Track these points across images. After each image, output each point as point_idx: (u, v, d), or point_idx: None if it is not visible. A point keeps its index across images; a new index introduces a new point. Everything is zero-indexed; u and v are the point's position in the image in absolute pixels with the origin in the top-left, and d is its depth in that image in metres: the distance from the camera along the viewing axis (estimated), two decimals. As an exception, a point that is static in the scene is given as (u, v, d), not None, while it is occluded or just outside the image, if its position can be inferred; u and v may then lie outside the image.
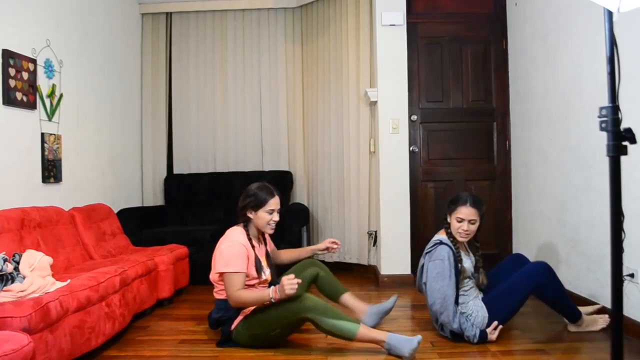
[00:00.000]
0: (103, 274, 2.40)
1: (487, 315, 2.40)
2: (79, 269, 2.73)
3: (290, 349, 2.33)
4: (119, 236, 3.53)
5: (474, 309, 2.42)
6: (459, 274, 2.42)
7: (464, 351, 2.27)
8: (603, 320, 2.53)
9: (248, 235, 2.45)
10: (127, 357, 2.30)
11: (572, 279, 2.98)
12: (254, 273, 2.38)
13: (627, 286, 2.39)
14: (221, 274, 2.34)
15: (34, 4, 3.07)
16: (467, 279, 2.48)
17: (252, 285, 2.41)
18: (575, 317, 2.50)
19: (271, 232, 2.51)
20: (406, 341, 2.16)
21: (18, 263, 2.12)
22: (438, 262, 2.40)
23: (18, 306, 1.79)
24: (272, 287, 2.26)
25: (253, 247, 2.43)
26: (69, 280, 2.22)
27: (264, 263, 2.48)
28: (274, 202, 2.45)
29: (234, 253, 2.31)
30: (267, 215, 2.43)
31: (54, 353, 1.88)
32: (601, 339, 2.37)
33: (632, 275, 2.37)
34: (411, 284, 3.63)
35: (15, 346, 1.53)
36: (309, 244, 4.55)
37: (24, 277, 2.06)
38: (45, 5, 3.19)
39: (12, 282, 2.01)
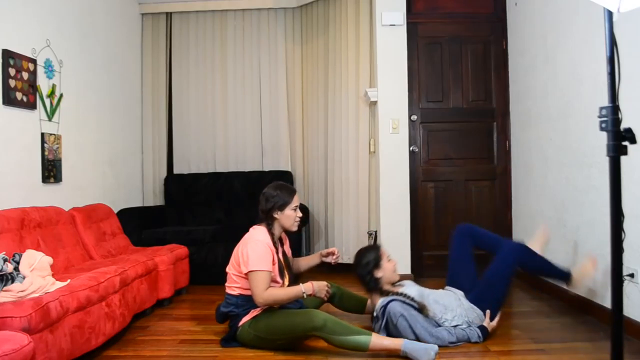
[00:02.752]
0: (103, 274, 2.40)
1: (481, 312, 2.42)
2: (79, 269, 2.72)
3: (290, 349, 2.32)
4: (119, 236, 3.53)
5: (464, 314, 2.41)
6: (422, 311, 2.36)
7: (463, 351, 2.27)
8: (591, 263, 2.56)
9: (272, 237, 2.45)
10: (127, 357, 2.30)
11: (572, 279, 2.98)
12: (277, 277, 2.40)
13: (627, 286, 2.39)
14: (247, 274, 2.32)
15: (34, 4, 3.07)
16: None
17: (274, 283, 2.41)
18: (567, 278, 2.58)
19: (296, 229, 2.54)
20: (423, 350, 2.11)
21: (18, 263, 2.12)
22: (400, 320, 2.30)
23: (18, 306, 1.79)
24: (307, 283, 2.32)
25: (277, 250, 2.45)
26: (69, 280, 2.22)
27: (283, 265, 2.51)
28: (297, 199, 2.52)
29: (262, 252, 2.32)
30: (293, 213, 2.48)
31: (54, 353, 1.88)
32: (601, 339, 2.37)
33: (632, 275, 2.37)
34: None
35: (15, 346, 1.53)
36: (308, 243, 4.56)
37: (24, 277, 2.06)
38: (45, 5, 3.19)
39: (12, 282, 2.01)
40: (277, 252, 2.44)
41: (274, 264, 2.36)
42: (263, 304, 2.30)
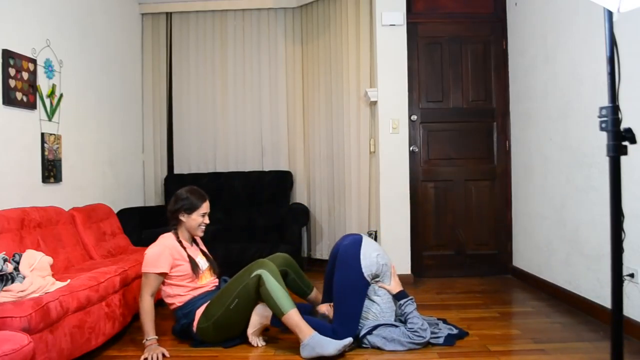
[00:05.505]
0: (103, 274, 2.40)
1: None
2: (79, 269, 2.72)
3: (291, 349, 2.33)
4: (119, 236, 3.53)
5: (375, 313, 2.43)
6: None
7: (464, 351, 2.27)
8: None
9: (178, 238, 2.52)
10: (127, 357, 2.30)
11: (572, 279, 2.98)
12: (188, 270, 2.45)
13: (627, 286, 2.39)
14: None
15: (34, 4, 3.07)
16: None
17: (191, 281, 2.47)
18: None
19: (201, 234, 2.59)
20: (332, 342, 2.17)
21: (18, 263, 2.12)
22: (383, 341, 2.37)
23: (18, 306, 1.79)
24: (155, 338, 2.32)
25: (184, 248, 2.50)
26: (69, 280, 2.22)
27: (201, 259, 2.57)
28: (206, 206, 2.55)
29: (153, 255, 2.39)
30: (200, 219, 2.52)
31: (54, 353, 1.88)
32: (601, 339, 2.38)
33: (632, 275, 2.37)
34: (411, 284, 3.64)
35: (15, 346, 1.53)
36: (309, 244, 4.55)
37: (24, 277, 2.06)
38: (45, 5, 3.19)
39: (12, 282, 2.01)
40: (186, 250, 2.50)
41: (177, 261, 2.43)
42: (140, 304, 2.37)
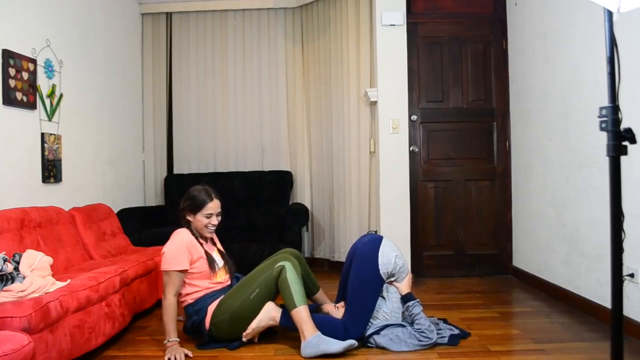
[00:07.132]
0: (103, 274, 2.40)
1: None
2: (79, 269, 2.73)
3: (291, 348, 2.33)
4: (119, 236, 3.53)
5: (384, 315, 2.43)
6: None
7: (464, 351, 2.27)
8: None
9: (193, 233, 2.50)
10: (127, 357, 2.30)
11: (572, 279, 2.98)
12: (205, 267, 2.43)
13: (627, 286, 2.39)
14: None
15: (34, 4, 3.07)
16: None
17: (206, 278, 2.45)
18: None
19: (209, 235, 2.55)
20: (336, 341, 2.19)
21: (18, 263, 2.12)
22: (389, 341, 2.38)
23: (18, 306, 1.79)
24: (176, 340, 2.30)
25: (201, 244, 2.48)
26: (69, 280, 2.22)
27: (216, 256, 2.55)
28: (213, 206, 2.48)
29: (172, 252, 2.36)
30: (205, 219, 2.47)
31: (54, 353, 1.88)
32: (601, 339, 2.37)
33: (632, 275, 2.37)
34: (412, 284, 3.63)
35: (15, 346, 1.53)
36: (311, 244, 4.55)
37: (24, 277, 2.06)
38: (45, 5, 3.19)
39: (12, 282, 2.01)
40: (203, 246, 2.48)
41: (196, 257, 2.41)
42: (163, 304, 2.34)
